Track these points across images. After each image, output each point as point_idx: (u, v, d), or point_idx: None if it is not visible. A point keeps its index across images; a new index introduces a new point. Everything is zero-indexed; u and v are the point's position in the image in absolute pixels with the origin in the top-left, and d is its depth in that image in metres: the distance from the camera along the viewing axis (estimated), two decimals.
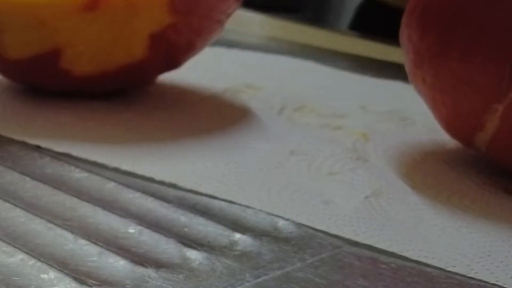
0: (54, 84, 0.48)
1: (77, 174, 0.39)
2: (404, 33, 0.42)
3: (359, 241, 0.34)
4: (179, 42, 0.47)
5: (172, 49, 0.48)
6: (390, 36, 0.58)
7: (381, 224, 0.36)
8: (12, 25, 0.45)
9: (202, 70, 0.52)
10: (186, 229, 0.34)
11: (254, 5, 0.54)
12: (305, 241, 0.34)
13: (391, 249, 0.34)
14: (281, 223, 0.35)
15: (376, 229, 0.36)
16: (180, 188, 0.38)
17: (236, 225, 0.35)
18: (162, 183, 0.39)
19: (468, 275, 0.32)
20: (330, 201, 0.38)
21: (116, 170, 0.40)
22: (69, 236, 0.32)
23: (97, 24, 0.44)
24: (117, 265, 0.31)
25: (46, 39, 0.45)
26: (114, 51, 0.46)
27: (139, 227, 0.33)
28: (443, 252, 0.34)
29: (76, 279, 0.29)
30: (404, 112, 0.52)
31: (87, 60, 0.46)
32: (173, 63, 0.49)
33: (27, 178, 0.38)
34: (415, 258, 0.33)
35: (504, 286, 0.31)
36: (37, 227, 0.33)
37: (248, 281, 0.30)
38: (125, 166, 0.40)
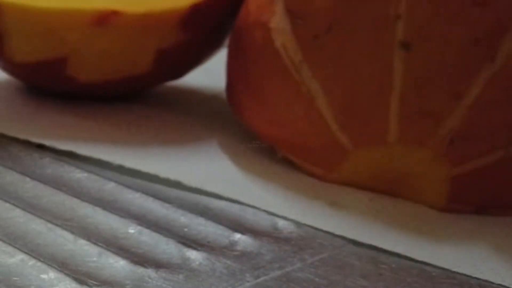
0: (59, 88, 0.48)
1: (77, 175, 0.39)
2: None
3: (364, 242, 0.34)
4: (185, 57, 0.47)
5: (177, 63, 0.48)
6: None
7: (386, 224, 0.36)
8: (21, 31, 0.44)
9: (202, 70, 0.52)
10: (186, 229, 0.34)
11: None
12: (305, 241, 0.34)
13: (396, 250, 0.34)
14: (281, 223, 0.35)
15: (381, 229, 0.36)
16: (181, 188, 0.38)
17: (236, 225, 0.35)
18: (165, 182, 0.39)
19: (474, 276, 0.32)
20: (334, 202, 0.38)
21: (117, 170, 0.40)
22: (69, 236, 0.32)
23: (105, 38, 0.44)
24: (117, 265, 0.31)
25: (53, 47, 0.45)
26: (119, 63, 0.46)
27: (139, 227, 0.33)
28: (449, 252, 0.34)
29: (76, 280, 0.29)
30: None
31: (92, 69, 0.46)
32: (176, 75, 0.49)
33: (27, 178, 0.38)
34: (420, 259, 0.33)
35: (510, 286, 0.31)
36: (37, 227, 0.33)
37: (248, 281, 0.30)
38: (129, 164, 0.40)
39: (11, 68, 0.48)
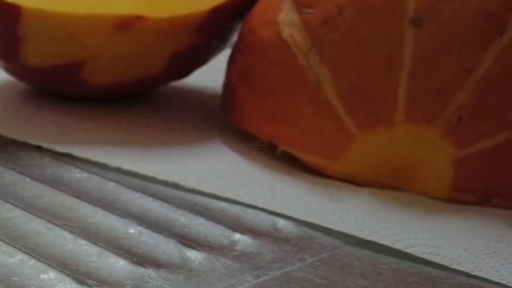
0: (68, 91, 0.48)
1: (77, 175, 0.39)
2: None
3: (363, 237, 0.34)
4: (195, 59, 0.48)
5: (187, 64, 0.48)
6: None
7: (386, 217, 0.36)
8: (42, 36, 0.44)
9: (203, 70, 0.52)
10: (186, 229, 0.34)
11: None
12: (305, 241, 0.34)
13: (395, 246, 0.34)
14: (281, 223, 0.35)
15: (381, 222, 0.36)
16: (180, 188, 0.38)
17: (236, 225, 0.35)
18: (164, 182, 0.39)
19: (472, 273, 0.32)
20: (334, 197, 0.38)
21: (117, 170, 0.40)
22: (69, 236, 0.32)
23: (124, 43, 0.44)
24: (117, 265, 0.31)
25: (72, 52, 0.45)
26: (134, 66, 0.46)
27: (139, 227, 0.33)
28: (448, 248, 0.34)
29: (76, 279, 0.29)
30: None
31: (106, 72, 0.46)
32: (184, 75, 0.49)
33: (27, 179, 0.38)
34: (419, 255, 0.33)
35: (508, 285, 0.31)
36: (37, 227, 0.33)
37: (248, 281, 0.30)
38: (126, 166, 0.40)
39: (20, 71, 0.48)
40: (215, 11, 0.45)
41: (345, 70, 0.38)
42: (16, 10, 0.43)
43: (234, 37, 0.48)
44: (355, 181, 0.39)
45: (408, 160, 0.38)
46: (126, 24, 0.44)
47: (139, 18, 0.43)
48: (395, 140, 0.38)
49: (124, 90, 0.48)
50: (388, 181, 0.39)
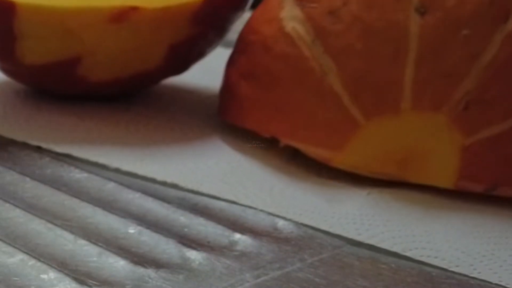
0: (67, 89, 0.48)
1: (77, 175, 0.39)
2: None
3: (362, 241, 0.34)
4: (193, 51, 0.48)
5: (185, 57, 0.48)
6: None
7: (385, 220, 0.36)
8: (37, 32, 0.44)
9: (202, 70, 0.52)
10: (186, 229, 0.34)
11: (254, 5, 0.54)
12: (305, 241, 0.34)
13: (393, 249, 0.34)
14: (281, 223, 0.35)
15: (380, 225, 0.36)
16: (180, 189, 0.38)
17: (236, 225, 0.35)
18: (163, 183, 0.39)
19: (471, 275, 0.32)
20: (332, 199, 0.38)
21: (117, 170, 0.40)
22: (69, 236, 0.32)
23: (121, 35, 0.44)
24: (117, 265, 0.31)
25: (69, 47, 0.45)
26: (132, 60, 0.46)
27: (139, 227, 0.33)
28: (447, 250, 0.34)
29: (76, 279, 0.29)
30: None
31: (104, 68, 0.46)
32: (182, 69, 0.49)
33: (27, 179, 0.38)
34: (417, 258, 0.33)
35: (507, 286, 0.31)
36: (37, 227, 0.33)
37: (248, 281, 0.30)
38: (126, 167, 0.40)
39: (18, 70, 0.47)
40: (211, 0, 0.45)
41: (350, 59, 0.38)
42: (10, 7, 0.43)
43: (232, 32, 0.48)
44: (360, 173, 0.39)
45: (415, 149, 0.38)
46: (122, 16, 0.44)
47: (134, 9, 0.43)
48: (402, 128, 0.38)
49: (123, 87, 0.48)
50: (394, 172, 0.39)
